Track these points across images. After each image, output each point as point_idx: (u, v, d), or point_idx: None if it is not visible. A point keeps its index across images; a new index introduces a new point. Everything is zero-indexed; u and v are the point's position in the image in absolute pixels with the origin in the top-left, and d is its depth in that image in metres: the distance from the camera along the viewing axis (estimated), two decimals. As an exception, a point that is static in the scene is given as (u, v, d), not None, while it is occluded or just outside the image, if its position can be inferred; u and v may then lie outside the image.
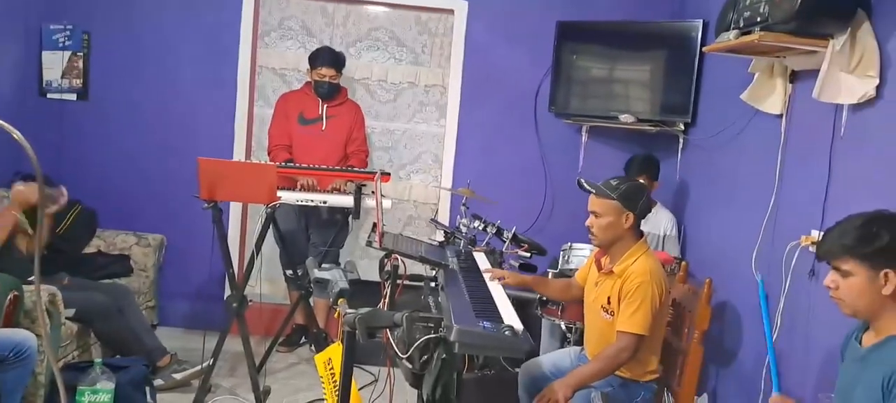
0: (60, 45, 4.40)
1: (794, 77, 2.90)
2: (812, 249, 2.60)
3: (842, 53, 2.41)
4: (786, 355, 2.76)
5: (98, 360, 3.17)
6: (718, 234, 3.55)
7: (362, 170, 3.95)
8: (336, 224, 3.99)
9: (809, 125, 2.78)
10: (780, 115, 2.96)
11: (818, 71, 2.49)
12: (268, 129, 4.24)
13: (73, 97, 4.45)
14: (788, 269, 2.72)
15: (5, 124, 1.39)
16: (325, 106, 4.10)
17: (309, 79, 4.14)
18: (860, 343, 1.83)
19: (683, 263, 3.24)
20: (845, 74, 2.43)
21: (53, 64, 4.41)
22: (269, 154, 4.19)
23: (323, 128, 4.09)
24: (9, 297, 2.86)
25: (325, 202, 3.57)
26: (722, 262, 3.39)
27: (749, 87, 3.07)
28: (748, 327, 3.13)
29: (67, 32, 4.40)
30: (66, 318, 3.31)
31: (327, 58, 4.05)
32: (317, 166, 3.82)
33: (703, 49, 3.53)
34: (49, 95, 4.43)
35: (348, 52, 4.59)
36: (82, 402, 3.08)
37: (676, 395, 2.78)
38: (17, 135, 1.37)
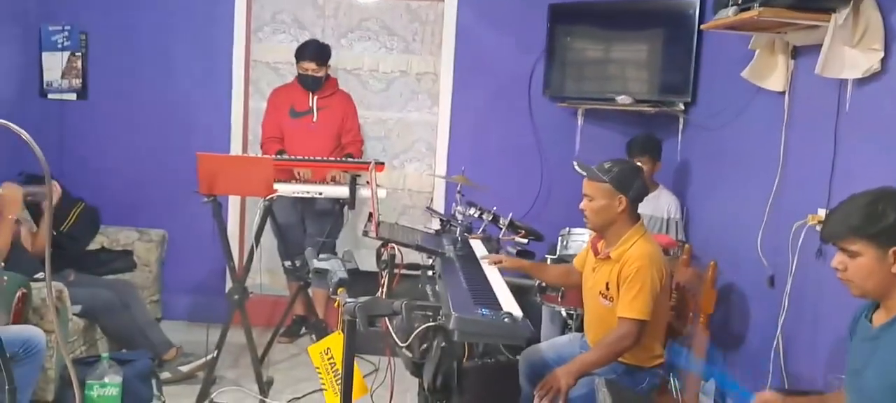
0: (59, 45, 4.41)
1: (795, 53, 2.85)
2: (819, 228, 2.56)
3: (844, 27, 2.37)
4: (794, 336, 2.73)
5: (105, 355, 3.22)
6: (722, 216, 3.51)
7: (357, 160, 3.92)
8: (332, 214, 3.98)
9: (813, 101, 2.74)
10: (783, 92, 2.92)
11: (820, 46, 2.45)
12: (261, 123, 4.24)
13: (73, 97, 4.46)
14: (795, 249, 2.69)
15: (13, 126, 1.41)
16: (314, 98, 4.09)
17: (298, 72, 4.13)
18: (871, 322, 1.80)
19: (687, 246, 3.20)
20: (849, 49, 2.40)
21: (53, 64, 4.42)
22: (261, 147, 4.20)
23: (314, 119, 4.08)
24: (17, 294, 2.89)
25: (320, 193, 3.56)
26: (726, 244, 3.35)
27: (750, 65, 3.02)
28: (754, 309, 3.10)
29: (65, 33, 4.40)
30: (73, 314, 3.35)
31: (311, 52, 4.03)
32: (312, 158, 3.81)
33: (702, 26, 3.48)
34: (50, 95, 4.45)
35: (339, 43, 4.58)
36: (91, 396, 3.12)
37: (682, 381, 2.76)
38: (25, 136, 1.39)
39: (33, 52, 4.39)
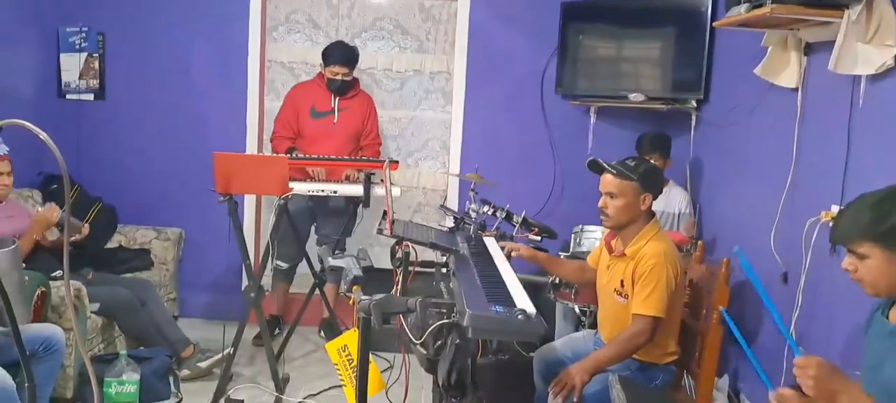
0: (77, 46, 4.46)
1: (808, 49, 2.85)
2: (832, 225, 2.55)
3: (858, 23, 2.36)
4: (808, 332, 2.73)
5: (123, 352, 3.25)
6: (735, 212, 3.51)
7: (372, 159, 3.94)
8: (344, 213, 4.01)
9: (826, 98, 2.73)
10: (796, 89, 2.91)
11: (833, 42, 2.44)
12: (275, 117, 4.25)
13: (91, 97, 4.51)
14: (808, 246, 2.68)
15: (32, 127, 1.43)
16: (337, 99, 4.10)
17: (322, 72, 4.13)
18: (888, 318, 1.79)
19: (700, 243, 3.20)
20: (862, 45, 2.39)
21: (71, 65, 4.48)
22: (271, 141, 4.21)
23: (335, 121, 4.09)
24: (37, 293, 2.93)
25: (335, 192, 3.58)
26: (739, 241, 3.33)
27: (762, 61, 3.02)
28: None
29: (83, 34, 4.45)
30: (91, 312, 3.39)
31: (340, 56, 4.01)
32: (326, 157, 3.85)
33: (714, 23, 3.47)
34: (68, 96, 4.50)
35: (353, 42, 4.59)
36: (109, 393, 3.16)
37: (696, 377, 2.76)
38: (44, 136, 1.41)
39: (51, 53, 4.44)
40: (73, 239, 3.48)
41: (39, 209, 3.32)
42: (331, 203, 4.02)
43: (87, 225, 3.59)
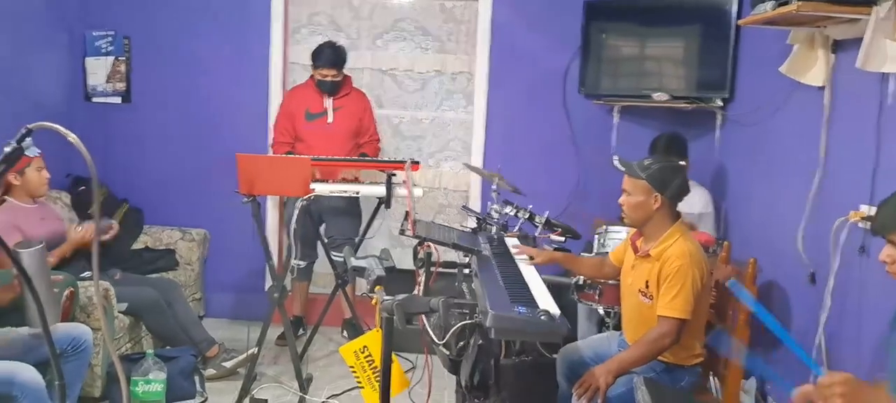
0: (103, 50, 4.53)
1: (836, 47, 2.80)
2: (861, 225, 2.52)
3: (886, 20, 2.33)
4: (836, 335, 2.69)
5: (150, 351, 3.28)
6: (762, 213, 3.46)
7: (391, 160, 3.95)
8: (352, 214, 4.04)
9: (854, 96, 2.69)
10: (823, 87, 2.87)
11: (861, 39, 2.40)
12: (273, 123, 4.29)
13: (118, 100, 4.57)
14: (837, 246, 2.64)
15: (62, 130, 1.45)
16: (330, 99, 4.12)
17: (312, 74, 4.15)
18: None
19: (726, 243, 3.17)
20: (891, 42, 2.35)
21: (97, 69, 4.54)
22: (271, 148, 4.26)
23: (329, 120, 4.11)
24: (65, 293, 2.97)
25: (357, 193, 3.59)
26: (766, 241, 3.31)
27: (788, 59, 2.98)
28: (796, 307, 3.05)
29: (109, 38, 4.52)
30: (119, 312, 3.44)
31: (327, 58, 4.03)
32: (348, 158, 3.90)
33: (739, 22, 3.43)
34: (94, 100, 4.57)
35: (375, 43, 4.62)
36: (136, 392, 3.19)
37: (722, 379, 2.73)
38: (73, 139, 1.43)
39: (78, 57, 4.52)
40: (107, 236, 3.53)
41: (79, 229, 3.37)
42: (332, 202, 4.02)
43: (116, 224, 3.64)
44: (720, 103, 3.93)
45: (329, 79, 4.06)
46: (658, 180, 2.53)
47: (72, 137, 1.43)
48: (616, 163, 2.64)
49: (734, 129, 3.85)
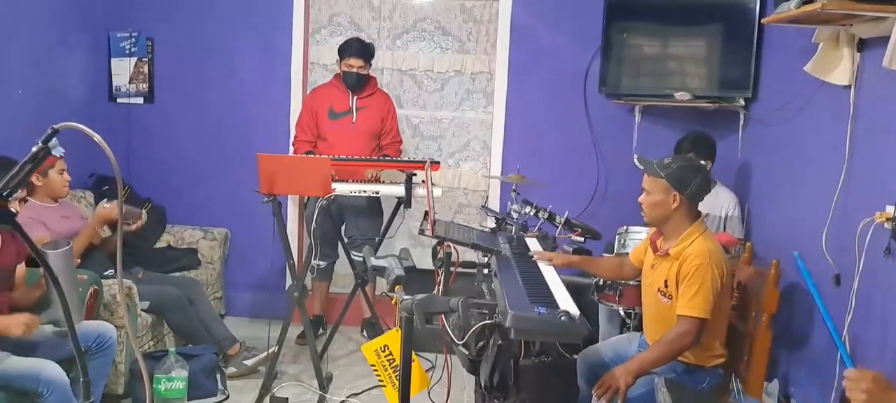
0: (127, 51, 4.58)
1: (861, 45, 2.76)
2: (887, 225, 2.48)
3: (914, 17, 2.29)
4: (862, 337, 2.65)
5: (172, 349, 3.32)
6: (785, 213, 3.42)
7: (410, 160, 3.95)
8: (371, 214, 4.05)
9: (880, 95, 2.65)
10: (848, 86, 2.83)
11: (888, 38, 2.37)
12: (296, 121, 4.30)
13: (141, 101, 4.63)
14: (862, 247, 2.60)
15: (87, 130, 1.47)
16: (354, 98, 4.12)
17: (339, 71, 4.16)
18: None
19: (748, 244, 3.13)
20: (918, 40, 2.31)
21: (121, 70, 4.60)
22: (292, 145, 4.26)
23: (353, 120, 4.11)
24: (90, 291, 3.01)
25: (377, 192, 3.60)
26: (790, 242, 3.26)
27: (813, 58, 2.94)
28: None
29: (133, 39, 4.57)
30: (141, 310, 3.47)
31: (356, 48, 4.05)
32: (369, 158, 3.90)
33: (763, 20, 3.39)
34: (118, 100, 4.63)
35: (395, 43, 4.63)
36: (159, 389, 3.23)
37: (744, 381, 2.70)
38: (98, 139, 1.45)
39: (103, 58, 4.58)
40: (134, 226, 3.57)
41: (106, 205, 3.40)
42: (352, 202, 4.03)
43: (144, 213, 3.66)
44: (743, 103, 3.89)
45: (355, 70, 4.05)
46: (677, 179, 2.51)
47: (97, 138, 1.45)
48: (636, 161, 2.63)
49: (757, 129, 3.81)
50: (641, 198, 2.61)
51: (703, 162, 3.61)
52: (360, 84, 4.10)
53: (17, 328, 2.61)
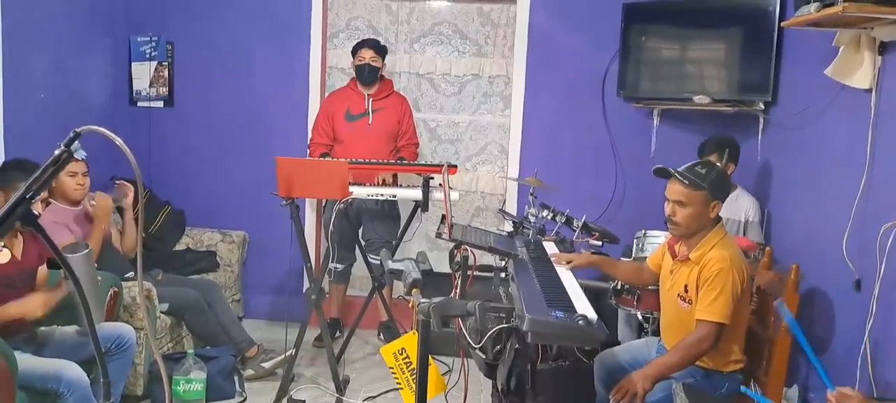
0: (147, 55, 4.63)
1: (883, 48, 2.73)
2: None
3: (937, 20, 2.26)
4: (883, 342, 2.61)
5: (190, 351, 3.35)
6: (805, 218, 3.39)
7: (427, 163, 3.96)
8: (389, 217, 4.07)
9: (902, 98, 2.62)
10: (870, 90, 2.79)
11: (910, 40, 2.34)
12: (313, 125, 4.33)
13: (160, 104, 4.68)
14: (883, 253, 2.57)
15: (109, 134, 1.49)
16: (370, 100, 4.14)
17: (354, 75, 4.19)
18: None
19: (768, 249, 3.11)
20: (941, 43, 2.28)
21: (142, 74, 4.65)
22: (308, 148, 4.29)
23: (369, 122, 4.13)
24: (109, 293, 3.05)
25: (394, 196, 3.61)
26: (810, 247, 3.23)
27: (834, 62, 2.91)
28: (840, 315, 2.98)
29: (153, 44, 4.62)
30: (161, 312, 3.50)
31: (369, 41, 4.13)
32: (386, 161, 3.91)
33: (782, 24, 3.37)
34: (139, 104, 4.68)
35: (413, 47, 4.65)
36: (177, 391, 3.26)
37: (764, 386, 2.68)
38: (119, 142, 1.47)
39: (123, 62, 4.63)
40: (127, 200, 3.61)
41: (93, 203, 3.36)
42: (369, 205, 4.05)
43: (131, 186, 3.68)
44: (762, 106, 3.86)
45: (367, 61, 4.08)
46: (717, 188, 2.50)
47: (118, 141, 1.47)
48: (673, 173, 2.55)
49: (777, 133, 3.78)
50: (672, 210, 2.53)
51: (732, 163, 3.59)
52: (373, 76, 4.12)
53: (38, 309, 2.64)
